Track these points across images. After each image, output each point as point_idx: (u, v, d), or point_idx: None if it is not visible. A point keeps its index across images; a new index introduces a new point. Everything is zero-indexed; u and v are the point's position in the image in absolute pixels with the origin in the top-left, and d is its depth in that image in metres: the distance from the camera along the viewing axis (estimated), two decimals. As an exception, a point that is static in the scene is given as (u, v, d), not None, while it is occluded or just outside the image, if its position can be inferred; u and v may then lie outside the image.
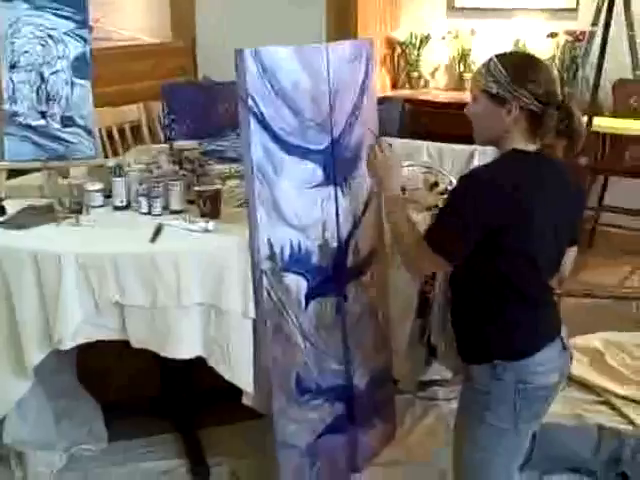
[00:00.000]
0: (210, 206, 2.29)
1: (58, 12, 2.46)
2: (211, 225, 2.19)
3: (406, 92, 4.75)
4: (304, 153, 2.13)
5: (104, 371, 2.67)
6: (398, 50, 4.85)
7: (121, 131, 3.69)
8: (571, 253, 2.08)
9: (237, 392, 2.17)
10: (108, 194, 2.41)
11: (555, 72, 1.96)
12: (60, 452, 2.45)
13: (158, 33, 5.02)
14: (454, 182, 2.37)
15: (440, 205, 2.31)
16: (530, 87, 1.84)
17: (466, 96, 2.10)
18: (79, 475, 2.45)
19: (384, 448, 2.55)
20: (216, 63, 4.47)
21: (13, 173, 2.62)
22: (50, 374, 2.29)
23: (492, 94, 1.87)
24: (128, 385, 2.70)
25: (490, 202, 1.81)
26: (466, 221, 1.83)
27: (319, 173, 2.18)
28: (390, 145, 2.14)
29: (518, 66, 1.87)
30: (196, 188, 2.35)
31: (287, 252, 2.11)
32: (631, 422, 2.70)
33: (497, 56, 1.89)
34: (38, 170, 2.57)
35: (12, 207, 2.36)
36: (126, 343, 2.11)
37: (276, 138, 2.04)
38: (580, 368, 2.94)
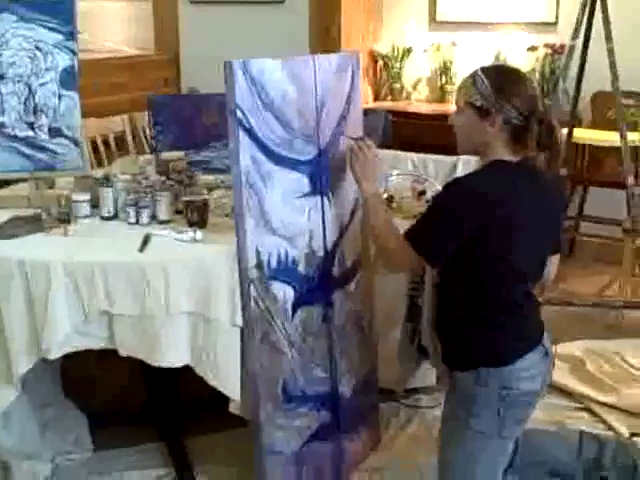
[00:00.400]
0: (198, 216, 2.31)
1: (47, 24, 2.46)
2: (199, 235, 2.21)
3: (388, 104, 4.79)
4: (292, 164, 2.15)
5: (89, 380, 2.67)
6: (380, 62, 4.90)
7: (105, 142, 3.70)
8: (554, 260, 2.11)
9: (223, 400, 2.18)
10: (95, 204, 2.42)
11: (536, 86, 2.00)
12: (46, 462, 2.44)
13: (141, 45, 5.03)
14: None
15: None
16: (514, 101, 1.87)
17: (448, 108, 2.14)
18: (65, 484, 2.44)
19: (369, 455, 2.57)
20: (199, 74, 4.50)
21: (0, 183, 2.63)
22: (35, 383, 2.29)
23: (476, 106, 1.90)
24: (113, 394, 2.69)
25: (472, 210, 1.84)
26: (446, 225, 1.86)
27: (306, 183, 2.20)
28: (366, 139, 2.18)
29: (503, 80, 1.90)
30: (184, 198, 2.37)
31: (274, 261, 2.12)
32: (612, 428, 2.74)
33: (482, 69, 1.92)
34: (25, 180, 2.58)
35: (-1, 217, 2.36)
36: (111, 352, 2.11)
37: (264, 149, 2.05)
38: (561, 375, 2.97)
